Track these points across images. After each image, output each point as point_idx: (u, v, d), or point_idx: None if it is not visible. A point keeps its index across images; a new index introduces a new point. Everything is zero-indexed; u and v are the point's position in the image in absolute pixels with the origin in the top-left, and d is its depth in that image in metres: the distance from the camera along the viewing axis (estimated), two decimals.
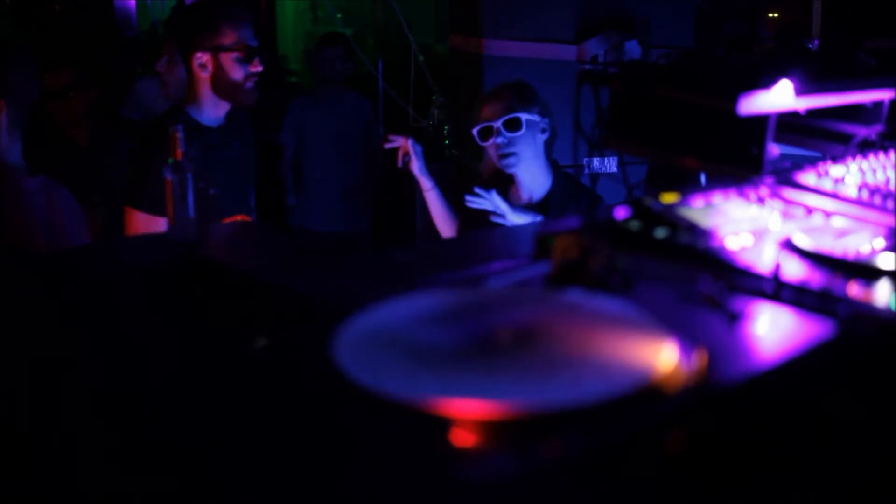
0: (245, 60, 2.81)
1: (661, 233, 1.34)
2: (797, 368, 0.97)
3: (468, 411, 0.79)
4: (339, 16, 6.50)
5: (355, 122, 4.89)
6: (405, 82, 5.89)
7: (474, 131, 3.01)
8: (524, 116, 2.93)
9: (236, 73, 2.82)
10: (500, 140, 2.96)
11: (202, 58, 2.82)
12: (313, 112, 4.82)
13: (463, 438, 0.78)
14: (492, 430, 0.79)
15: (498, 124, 2.95)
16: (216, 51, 2.80)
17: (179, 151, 1.70)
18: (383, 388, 0.83)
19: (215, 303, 1.25)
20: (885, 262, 1.20)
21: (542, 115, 3.01)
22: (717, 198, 1.50)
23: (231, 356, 1.01)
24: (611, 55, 3.90)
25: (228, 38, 2.81)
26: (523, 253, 1.29)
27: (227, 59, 2.80)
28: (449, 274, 1.18)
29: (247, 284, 1.32)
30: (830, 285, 1.14)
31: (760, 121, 1.61)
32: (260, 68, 2.84)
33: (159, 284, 1.40)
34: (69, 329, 1.19)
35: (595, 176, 1.72)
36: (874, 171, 1.61)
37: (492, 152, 3.03)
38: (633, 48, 3.90)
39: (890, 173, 1.61)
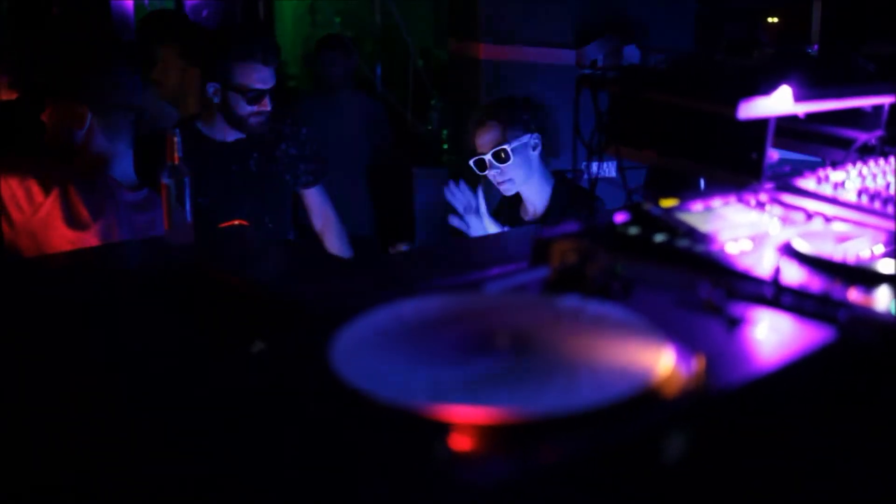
0: (252, 102, 2.85)
1: (660, 238, 1.34)
2: (797, 373, 0.97)
3: (467, 416, 0.79)
4: (337, 20, 6.51)
5: (359, 126, 4.88)
6: (404, 87, 5.89)
7: (471, 163, 3.03)
8: (510, 146, 2.95)
9: (242, 110, 2.87)
10: (492, 172, 2.98)
11: (213, 87, 2.88)
12: (317, 116, 4.81)
13: (461, 443, 0.78)
14: (490, 434, 0.79)
15: (488, 157, 2.96)
16: (226, 86, 2.85)
17: (176, 155, 1.69)
18: (381, 393, 0.83)
19: (212, 307, 1.25)
20: (885, 266, 1.19)
21: (531, 129, 3.00)
22: (717, 203, 1.50)
23: (229, 360, 1.01)
24: (610, 60, 3.90)
25: (239, 77, 2.84)
26: (522, 258, 1.28)
27: (235, 97, 2.85)
28: (447, 279, 1.18)
29: (245, 289, 1.32)
30: (830, 290, 1.14)
31: (760, 126, 1.60)
32: (267, 108, 2.87)
33: (157, 289, 1.40)
34: (67, 332, 1.19)
35: (594, 181, 1.72)
36: (874, 176, 1.61)
37: (491, 180, 3.05)
38: (632, 53, 3.90)
39: (890, 178, 1.61)
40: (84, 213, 2.17)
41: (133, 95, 2.29)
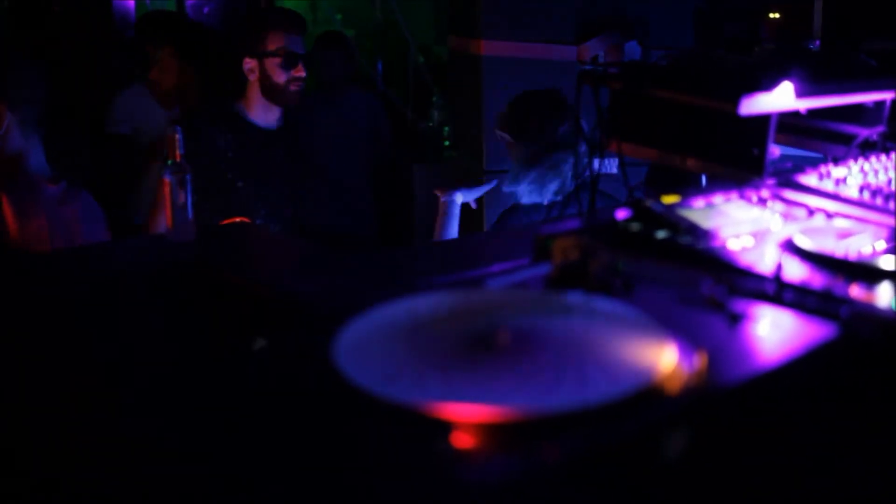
0: (288, 66, 2.99)
1: (661, 234, 1.34)
2: (799, 370, 0.97)
3: (469, 414, 0.79)
4: (338, 17, 6.50)
5: (360, 122, 4.88)
6: (404, 83, 5.89)
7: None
8: (500, 135, 3.02)
9: (279, 77, 3.00)
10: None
11: (250, 63, 3.03)
12: (318, 113, 4.80)
13: (463, 441, 0.78)
14: (493, 432, 0.79)
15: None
16: (262, 56, 3.00)
17: (178, 153, 1.69)
18: (383, 391, 0.83)
19: (214, 305, 1.25)
20: (886, 263, 1.19)
21: (521, 139, 2.96)
22: (718, 199, 1.49)
23: (230, 358, 1.01)
24: (611, 56, 3.90)
25: (273, 44, 3.00)
26: (523, 255, 1.28)
27: (272, 64, 3.00)
28: (449, 276, 1.18)
29: (246, 286, 1.32)
30: (832, 286, 1.14)
31: (762, 122, 1.60)
32: (303, 73, 3.02)
33: (158, 286, 1.40)
34: (68, 330, 1.19)
35: (595, 177, 1.72)
36: (876, 172, 1.61)
37: None
38: (632, 49, 3.90)
39: (891, 174, 1.61)
40: (12, 212, 2.20)
41: (41, 88, 2.35)
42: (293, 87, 3.03)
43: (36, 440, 0.85)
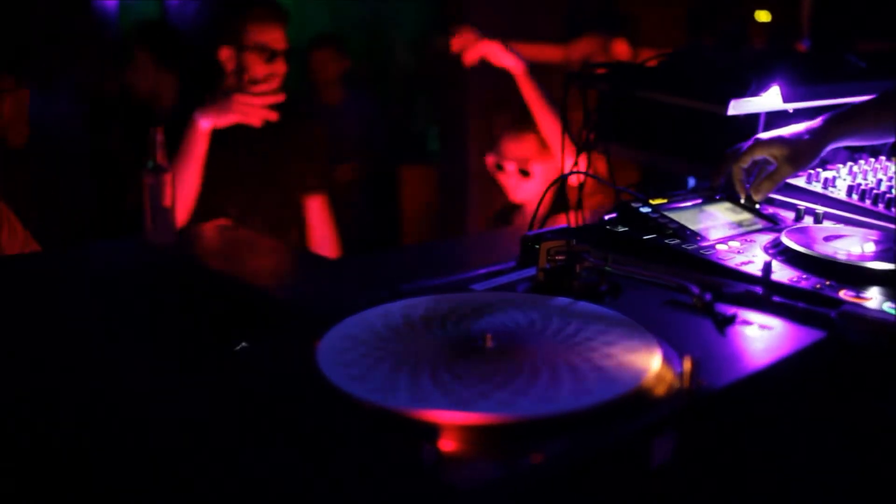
0: (267, 60, 2.78)
1: (649, 236, 1.33)
2: (788, 372, 0.96)
3: (451, 419, 0.78)
4: (326, 16, 6.48)
5: (354, 125, 4.86)
6: (390, 83, 5.88)
7: None
8: None
9: (256, 73, 2.78)
10: None
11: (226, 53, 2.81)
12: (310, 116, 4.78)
13: (445, 446, 0.77)
14: (475, 437, 0.77)
15: None
16: (241, 49, 2.78)
17: (160, 154, 1.67)
18: (366, 396, 0.81)
19: (195, 307, 1.23)
20: (875, 264, 1.19)
21: None
22: (706, 200, 1.49)
23: (211, 360, 1.00)
24: (599, 56, 3.90)
25: (251, 38, 2.78)
26: (510, 258, 1.27)
27: (250, 58, 2.78)
28: (434, 279, 1.17)
29: (229, 289, 1.31)
30: (821, 288, 1.13)
31: (750, 123, 1.60)
32: (282, 69, 2.80)
33: (138, 289, 1.38)
34: (47, 331, 1.18)
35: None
36: (864, 174, 1.61)
37: None
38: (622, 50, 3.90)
39: (880, 176, 1.60)
40: None
41: None
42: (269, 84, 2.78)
43: (11, 448, 0.84)
